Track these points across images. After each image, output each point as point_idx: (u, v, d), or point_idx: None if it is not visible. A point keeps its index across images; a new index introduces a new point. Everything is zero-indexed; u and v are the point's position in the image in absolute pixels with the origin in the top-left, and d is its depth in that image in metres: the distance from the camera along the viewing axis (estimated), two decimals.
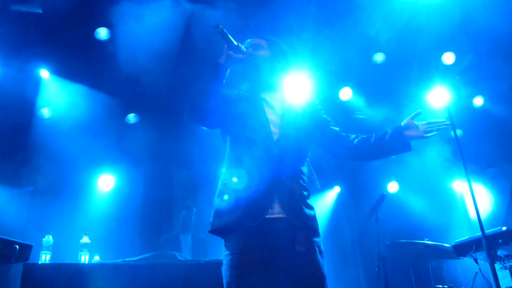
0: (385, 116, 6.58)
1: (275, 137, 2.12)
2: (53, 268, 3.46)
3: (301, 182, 2.13)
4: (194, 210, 5.42)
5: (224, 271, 1.99)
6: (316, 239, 2.06)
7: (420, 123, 2.21)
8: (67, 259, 3.89)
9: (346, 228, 7.12)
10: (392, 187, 7.00)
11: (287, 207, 2.00)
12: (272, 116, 2.21)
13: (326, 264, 2.05)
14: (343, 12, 5.38)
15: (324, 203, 7.29)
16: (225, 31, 2.15)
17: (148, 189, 6.19)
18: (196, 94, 2.11)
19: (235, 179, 2.04)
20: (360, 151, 2.30)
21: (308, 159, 2.32)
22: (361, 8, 5.24)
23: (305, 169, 2.22)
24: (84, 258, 3.77)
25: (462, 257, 3.89)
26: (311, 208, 2.12)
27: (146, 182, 6.26)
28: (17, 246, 2.46)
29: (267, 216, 1.97)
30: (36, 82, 5.86)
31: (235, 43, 2.19)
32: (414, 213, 6.41)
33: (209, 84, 2.12)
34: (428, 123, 2.20)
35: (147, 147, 6.34)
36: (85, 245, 3.81)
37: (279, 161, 2.06)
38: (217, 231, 2.07)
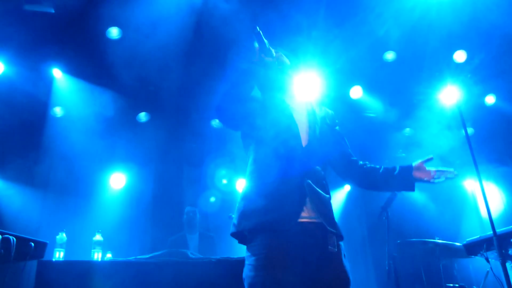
0: (395, 115, 6.56)
1: (304, 143, 2.13)
2: (67, 265, 3.51)
3: (326, 188, 2.15)
4: (197, 208, 5.43)
5: (248, 271, 1.92)
6: (342, 244, 2.08)
7: (430, 168, 2.22)
8: (80, 257, 3.93)
9: (356, 226, 7.10)
10: None
11: (319, 212, 2.01)
12: (300, 123, 2.20)
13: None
14: (353, 10, 5.37)
15: (334, 202, 7.26)
16: (261, 33, 2.14)
17: (159, 187, 6.23)
18: (229, 95, 2.07)
19: (264, 183, 2.03)
20: (366, 178, 2.31)
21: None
22: (371, 6, 5.23)
23: (325, 176, 2.22)
24: (97, 256, 3.82)
25: (473, 256, 3.87)
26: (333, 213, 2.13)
27: (157, 180, 6.30)
28: (33, 244, 2.51)
29: (300, 220, 1.95)
30: (49, 82, 5.93)
31: (268, 46, 2.18)
32: (424, 212, 6.38)
33: (242, 84, 2.10)
34: (438, 170, 2.21)
35: (158, 145, 6.38)
36: (98, 243, 3.85)
37: (308, 167, 2.07)
38: (242, 232, 2.00)
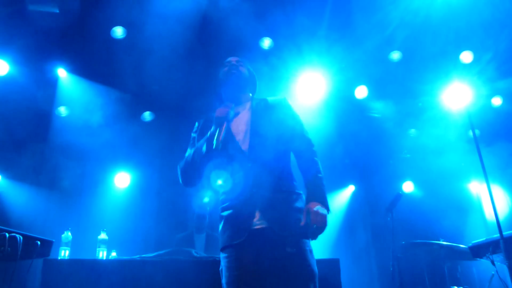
0: (400, 115, 6.54)
1: (244, 147, 2.21)
2: (72, 263, 3.52)
3: (280, 185, 2.18)
4: (208, 209, 5.43)
5: (224, 272, 2.14)
6: (306, 240, 2.14)
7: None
8: (86, 255, 3.94)
9: (360, 227, 7.09)
10: (407, 187, 6.96)
11: (269, 219, 2.09)
12: (237, 130, 2.29)
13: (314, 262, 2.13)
14: (358, 10, 5.35)
15: (339, 202, 7.27)
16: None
17: (164, 186, 6.24)
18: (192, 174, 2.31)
19: (223, 206, 2.23)
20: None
21: (289, 161, 2.34)
22: (377, 5, 5.21)
23: (286, 174, 2.25)
24: (102, 254, 3.83)
25: (478, 259, 3.85)
26: (299, 211, 2.16)
27: (161, 179, 6.31)
28: (39, 242, 2.52)
29: (254, 228, 2.09)
30: (54, 81, 5.94)
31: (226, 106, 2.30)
32: (429, 213, 6.35)
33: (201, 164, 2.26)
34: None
35: (162, 144, 6.38)
36: (103, 241, 3.86)
37: (254, 175, 2.15)
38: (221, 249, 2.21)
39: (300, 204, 2.19)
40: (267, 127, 2.27)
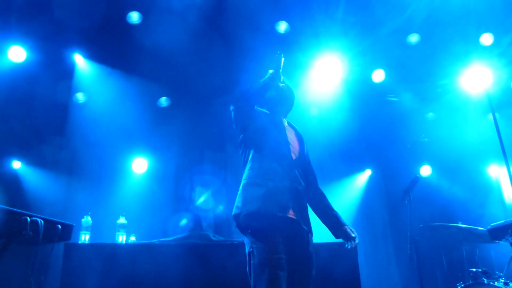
0: (418, 99, 6.45)
1: (294, 156, 2.63)
2: (93, 247, 3.60)
3: (305, 199, 2.63)
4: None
5: (251, 243, 2.35)
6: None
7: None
8: (105, 239, 4.02)
9: (377, 210, 7.06)
10: (425, 170, 6.88)
11: (300, 213, 2.48)
12: (290, 140, 2.70)
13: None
14: None
15: (356, 186, 7.24)
16: (282, 59, 2.68)
17: (181, 171, 6.28)
18: (251, 92, 2.65)
19: (264, 178, 2.47)
20: (311, 203, 2.74)
21: None
22: None
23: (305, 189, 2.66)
24: (122, 238, 3.89)
25: (497, 241, 3.81)
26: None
27: (178, 165, 6.35)
28: (60, 226, 2.56)
29: (288, 215, 2.42)
30: (71, 68, 5.98)
31: (281, 72, 2.70)
32: (447, 197, 6.29)
33: (261, 89, 2.68)
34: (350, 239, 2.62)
35: (179, 130, 6.41)
36: (122, 226, 3.93)
37: (295, 176, 2.56)
38: (246, 215, 2.41)
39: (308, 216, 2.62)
40: (306, 153, 2.79)
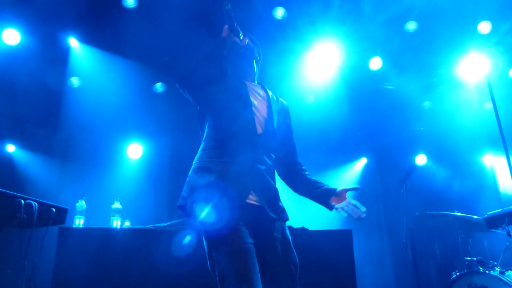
0: (415, 87, 6.43)
1: (259, 131, 2.19)
2: (87, 231, 3.59)
3: (274, 179, 2.25)
4: None
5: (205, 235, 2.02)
6: (287, 229, 2.20)
7: (348, 200, 2.24)
8: (100, 224, 4.00)
9: (372, 199, 7.09)
10: (420, 159, 6.90)
11: (264, 198, 2.11)
12: (255, 110, 2.25)
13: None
14: None
15: (351, 174, 7.26)
16: (231, 12, 2.20)
17: (175, 157, 6.26)
18: (195, 62, 2.16)
19: (217, 161, 2.09)
20: (294, 183, 2.40)
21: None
22: None
23: (274, 167, 2.30)
24: (116, 223, 3.88)
25: (493, 230, 3.83)
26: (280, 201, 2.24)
27: (173, 150, 6.32)
28: (54, 209, 2.54)
29: (247, 201, 2.05)
30: (65, 51, 5.91)
31: (236, 27, 2.25)
32: (442, 186, 6.32)
33: (210, 54, 2.20)
34: (353, 205, 2.21)
35: (174, 115, 6.37)
36: (117, 211, 3.91)
37: (260, 154, 2.15)
38: (190, 205, 2.06)
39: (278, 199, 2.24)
40: (281, 129, 2.33)
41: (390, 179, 6.47)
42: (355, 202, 2.21)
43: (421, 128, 7.03)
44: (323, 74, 6.33)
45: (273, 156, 2.26)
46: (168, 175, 6.20)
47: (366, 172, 7.31)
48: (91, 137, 5.99)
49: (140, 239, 3.61)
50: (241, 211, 2.00)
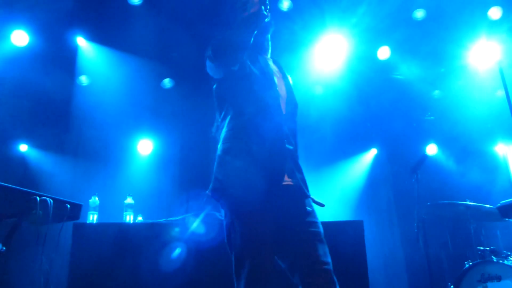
0: (425, 76, 6.38)
1: (284, 110, 2.16)
2: (101, 227, 3.64)
3: (298, 159, 2.22)
4: None
5: (236, 226, 1.97)
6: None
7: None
8: (113, 219, 4.05)
9: (382, 190, 7.07)
10: (431, 149, 6.86)
11: (300, 178, 2.10)
12: (280, 90, 2.20)
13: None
14: None
15: (361, 165, 7.23)
16: None
17: (186, 152, 6.29)
18: (231, 40, 2.07)
19: (250, 141, 2.03)
20: None
21: None
22: None
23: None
24: (129, 218, 3.93)
25: (506, 219, 3.81)
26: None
27: (183, 145, 6.36)
28: (69, 205, 2.58)
29: (283, 183, 2.02)
30: (74, 50, 5.96)
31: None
32: (454, 175, 6.28)
33: (245, 32, 2.09)
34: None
35: (182, 111, 6.40)
36: (129, 206, 3.96)
37: (286, 134, 2.11)
38: (226, 189, 1.99)
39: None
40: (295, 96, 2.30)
41: (400, 169, 6.43)
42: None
43: (431, 117, 6.98)
44: (331, 65, 6.30)
45: (296, 136, 2.22)
46: (179, 169, 6.24)
47: (376, 162, 7.28)
48: (102, 134, 6.05)
49: (153, 233, 3.65)
50: (277, 193, 1.98)
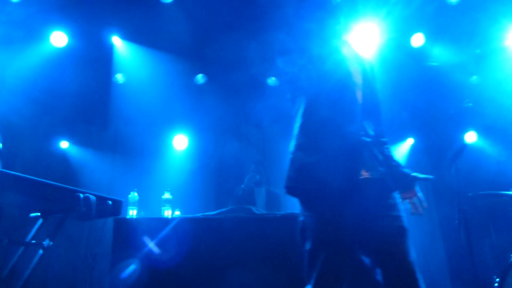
0: (460, 64, 6.18)
1: (360, 100, 2.02)
2: (140, 222, 3.73)
3: (383, 147, 2.12)
4: (265, 164, 5.44)
5: (310, 224, 1.92)
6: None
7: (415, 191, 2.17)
8: (152, 214, 4.15)
9: (420, 180, 6.91)
10: (470, 137, 6.65)
11: (378, 170, 2.00)
12: (356, 78, 2.07)
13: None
14: None
15: (397, 156, 7.09)
16: None
17: (220, 146, 6.36)
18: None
19: (322, 137, 1.93)
20: None
21: None
22: None
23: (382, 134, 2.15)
24: (167, 213, 4.01)
25: None
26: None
27: (217, 140, 6.43)
28: (110, 202, 2.67)
29: (361, 177, 1.92)
30: (109, 49, 6.10)
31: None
32: (495, 164, 6.06)
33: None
34: (416, 197, 2.15)
35: (216, 106, 6.45)
36: (167, 201, 4.04)
37: (363, 125, 2.00)
38: (300, 187, 1.93)
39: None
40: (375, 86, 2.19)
41: (438, 159, 6.28)
42: (421, 194, 2.13)
43: (470, 104, 6.75)
44: (365, 55, 6.17)
45: (375, 126, 2.09)
46: (214, 164, 6.32)
47: (413, 152, 7.12)
48: (138, 131, 6.19)
49: (191, 228, 3.71)
50: (354, 188, 1.88)
